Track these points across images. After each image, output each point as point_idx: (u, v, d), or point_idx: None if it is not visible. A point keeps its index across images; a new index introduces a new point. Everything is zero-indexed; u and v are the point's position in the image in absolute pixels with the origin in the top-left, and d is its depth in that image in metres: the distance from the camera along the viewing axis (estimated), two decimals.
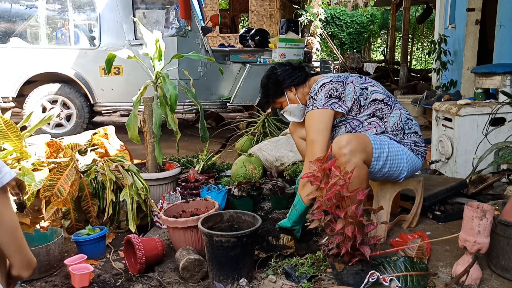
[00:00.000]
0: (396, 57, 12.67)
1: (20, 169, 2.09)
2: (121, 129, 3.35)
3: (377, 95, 2.05)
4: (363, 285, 1.49)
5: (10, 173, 1.11)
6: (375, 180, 2.07)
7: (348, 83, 2.04)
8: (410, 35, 12.06)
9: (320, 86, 2.03)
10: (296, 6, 13.77)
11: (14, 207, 1.09)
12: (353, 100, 2.01)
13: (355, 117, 2.04)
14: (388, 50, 12.07)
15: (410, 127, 2.06)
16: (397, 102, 2.10)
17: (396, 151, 1.96)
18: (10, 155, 2.27)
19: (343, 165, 1.79)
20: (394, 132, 2.03)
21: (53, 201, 2.06)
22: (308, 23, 11.94)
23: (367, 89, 2.06)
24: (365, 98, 2.03)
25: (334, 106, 2.00)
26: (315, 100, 2.02)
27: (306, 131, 2.05)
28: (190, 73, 3.04)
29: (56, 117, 5.12)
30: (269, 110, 4.01)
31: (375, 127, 2.03)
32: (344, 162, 1.81)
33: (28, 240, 1.78)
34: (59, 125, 5.24)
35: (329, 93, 2.00)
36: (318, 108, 2.00)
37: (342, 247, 1.57)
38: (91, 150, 2.61)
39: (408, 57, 11.85)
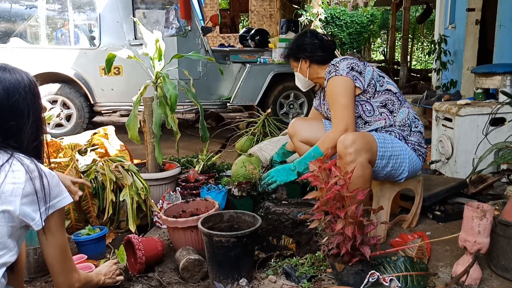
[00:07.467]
0: (396, 57, 12.65)
1: None
2: (121, 129, 3.35)
3: (391, 87, 2.09)
4: (363, 285, 1.49)
5: (69, 198, 1.21)
6: (377, 179, 2.07)
7: (368, 65, 2.09)
8: (410, 35, 12.05)
9: (343, 58, 2.07)
10: (296, 6, 13.75)
11: None
12: (370, 81, 2.03)
13: (368, 100, 2.04)
14: (388, 50, 12.07)
15: (416, 126, 2.08)
16: (406, 100, 2.13)
17: (399, 150, 1.97)
18: None
19: (348, 164, 1.78)
20: (401, 128, 2.04)
21: None
22: (308, 23, 11.91)
23: (384, 77, 2.10)
24: (380, 84, 2.06)
25: (354, 78, 2.01)
26: (337, 67, 2.03)
27: (333, 96, 2.02)
28: (190, 73, 3.04)
29: (56, 117, 5.11)
30: (269, 110, 4.00)
31: (385, 119, 2.04)
32: (350, 161, 1.80)
33: (29, 240, 1.79)
34: (59, 125, 5.24)
35: (351, 65, 2.02)
36: (342, 75, 2.00)
37: (342, 247, 1.56)
38: (91, 150, 2.61)
39: (408, 57, 11.84)
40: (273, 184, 2.02)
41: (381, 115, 2.04)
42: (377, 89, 2.04)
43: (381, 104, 2.04)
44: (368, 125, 2.06)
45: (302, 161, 2.01)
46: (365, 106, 2.05)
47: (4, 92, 1.11)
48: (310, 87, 2.35)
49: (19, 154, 1.13)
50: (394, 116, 2.05)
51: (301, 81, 2.30)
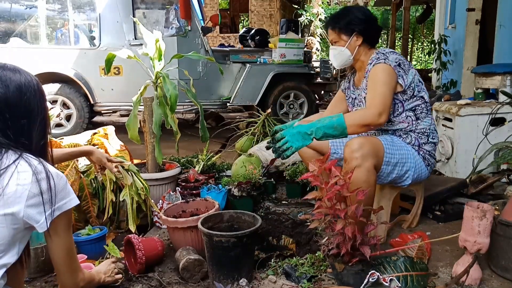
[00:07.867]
0: None
1: None
2: (121, 129, 3.34)
3: (425, 95, 2.06)
4: (363, 285, 1.49)
5: (76, 200, 1.21)
6: (381, 184, 2.06)
7: (411, 67, 2.03)
8: (410, 35, 12.06)
9: (391, 51, 2.00)
10: (296, 6, 13.76)
11: None
12: (410, 83, 1.99)
13: (402, 102, 2.01)
14: None
15: (433, 137, 2.07)
16: (431, 112, 2.12)
17: (405, 158, 1.96)
18: None
19: (353, 169, 1.77)
20: (419, 135, 2.03)
21: None
22: (308, 23, 11.94)
23: (422, 83, 2.06)
24: (418, 90, 2.03)
25: (399, 75, 1.95)
26: (387, 56, 1.96)
27: (377, 81, 1.92)
28: (190, 73, 3.04)
29: (56, 117, 5.11)
30: (269, 110, 4.00)
31: (409, 123, 2.03)
32: (355, 166, 1.77)
33: (30, 240, 1.79)
34: (59, 125, 5.24)
35: (399, 62, 1.97)
36: (390, 65, 1.93)
37: (342, 247, 1.56)
38: None
39: (408, 57, 11.85)
40: (288, 151, 1.80)
41: (406, 118, 2.03)
42: (414, 94, 2.01)
43: (410, 108, 2.02)
44: (391, 124, 2.04)
45: (321, 127, 1.79)
46: (397, 105, 2.02)
47: (17, 91, 1.14)
48: (345, 66, 2.18)
49: (27, 155, 1.13)
50: (418, 123, 2.03)
51: (342, 57, 2.09)
